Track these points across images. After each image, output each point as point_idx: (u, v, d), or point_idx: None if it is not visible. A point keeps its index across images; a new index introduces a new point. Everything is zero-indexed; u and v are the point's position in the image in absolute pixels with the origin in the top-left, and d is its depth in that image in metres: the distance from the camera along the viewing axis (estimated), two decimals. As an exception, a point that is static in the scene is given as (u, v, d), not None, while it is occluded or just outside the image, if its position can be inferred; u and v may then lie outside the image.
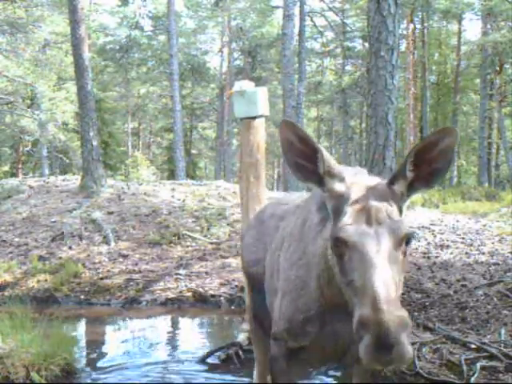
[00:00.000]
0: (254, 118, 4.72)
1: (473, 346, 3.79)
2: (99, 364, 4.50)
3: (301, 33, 18.21)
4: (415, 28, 26.86)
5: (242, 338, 4.57)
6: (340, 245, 1.68)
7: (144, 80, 31.87)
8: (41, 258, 7.96)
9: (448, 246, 8.02)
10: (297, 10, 18.10)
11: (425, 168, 1.78)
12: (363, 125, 30.54)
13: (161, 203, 10.53)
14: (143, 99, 33.85)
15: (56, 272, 7.37)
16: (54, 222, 9.52)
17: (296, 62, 18.20)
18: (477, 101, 27.88)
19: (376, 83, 4.23)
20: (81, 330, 6.01)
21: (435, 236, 8.76)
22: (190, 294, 6.71)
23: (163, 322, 6.27)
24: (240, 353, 4.39)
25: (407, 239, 1.69)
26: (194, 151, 34.86)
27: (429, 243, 8.27)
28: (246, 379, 4.02)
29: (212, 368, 4.33)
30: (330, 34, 27.46)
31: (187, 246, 8.41)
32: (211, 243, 8.49)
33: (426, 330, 4.29)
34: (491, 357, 3.61)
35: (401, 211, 1.76)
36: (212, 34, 33.31)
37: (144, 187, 12.06)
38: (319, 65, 31.40)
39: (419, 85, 28.48)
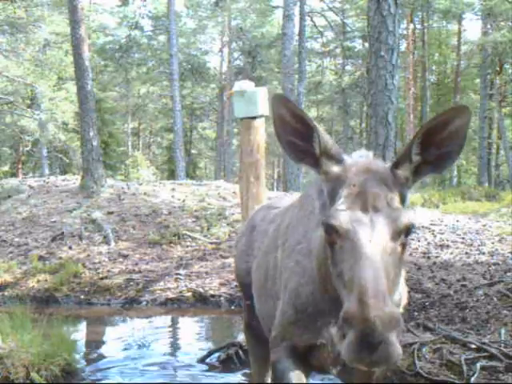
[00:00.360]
0: (254, 118, 4.73)
1: (473, 346, 3.79)
2: (99, 364, 4.50)
3: (301, 33, 18.20)
4: (415, 28, 26.88)
5: (242, 338, 4.56)
6: (331, 232, 1.54)
7: (144, 80, 31.89)
8: (41, 258, 7.96)
9: (448, 246, 8.02)
10: (297, 10, 18.10)
11: (433, 151, 1.61)
12: (363, 125, 30.55)
13: (161, 203, 10.53)
14: (143, 99, 33.85)
15: (56, 272, 7.37)
16: (54, 222, 9.52)
17: (296, 62, 18.19)
18: (477, 101, 27.86)
19: (376, 83, 4.23)
20: (81, 329, 6.01)
21: (435, 236, 8.75)
22: (189, 294, 6.71)
23: (163, 322, 6.27)
24: (240, 353, 4.39)
25: (407, 230, 1.54)
26: (194, 151, 34.86)
27: (429, 243, 8.26)
28: (246, 379, 4.03)
29: (212, 368, 4.33)
30: (329, 34, 27.45)
31: (187, 246, 8.40)
32: (211, 243, 8.49)
33: (426, 329, 4.29)
34: (491, 357, 3.61)
35: (404, 199, 1.60)
36: (212, 34, 33.33)
37: (144, 187, 12.06)
38: (319, 65, 31.38)
39: (419, 85, 28.48)
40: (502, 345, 3.79)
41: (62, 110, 18.32)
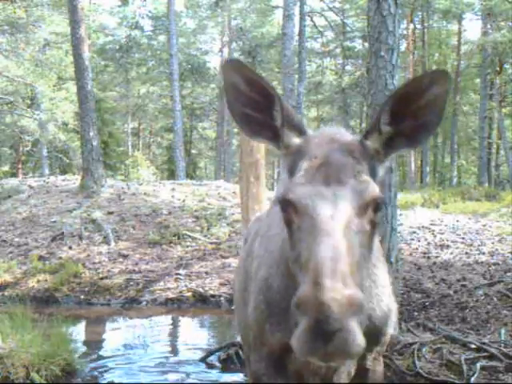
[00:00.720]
0: (254, 118, 4.72)
1: (473, 346, 3.79)
2: (99, 364, 4.50)
3: (301, 33, 18.19)
4: (415, 28, 26.88)
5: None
6: (288, 209, 1.36)
7: (144, 80, 31.88)
8: (41, 258, 7.96)
9: (448, 246, 8.02)
10: (297, 10, 18.08)
11: (409, 122, 1.44)
12: (363, 125, 30.52)
13: (161, 203, 10.53)
14: (143, 99, 33.84)
15: (56, 272, 7.37)
16: (54, 222, 9.52)
17: (296, 62, 18.18)
18: (477, 101, 27.86)
19: (376, 83, 4.22)
20: (81, 329, 6.01)
21: (435, 236, 8.76)
22: (189, 293, 6.71)
23: (163, 322, 6.27)
24: (240, 353, 4.39)
25: (376, 204, 1.36)
26: (194, 151, 34.87)
27: (429, 243, 8.27)
28: (246, 379, 4.02)
29: (212, 368, 4.33)
30: (329, 34, 27.43)
31: (187, 246, 8.40)
32: (211, 243, 8.49)
33: (426, 330, 4.29)
34: (491, 357, 3.61)
35: (374, 173, 1.43)
36: (212, 34, 33.33)
37: (144, 187, 12.06)
38: (319, 65, 31.36)
39: (419, 85, 28.43)
40: (502, 345, 3.79)
41: (62, 110, 18.32)
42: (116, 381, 4.09)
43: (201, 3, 30.14)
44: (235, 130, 28.43)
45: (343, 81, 27.77)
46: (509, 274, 6.08)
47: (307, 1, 19.67)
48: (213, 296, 6.61)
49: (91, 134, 11.23)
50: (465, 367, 3.46)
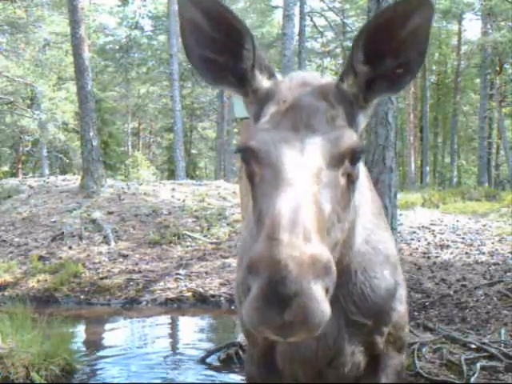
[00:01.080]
0: (254, 118, 4.72)
1: (473, 346, 3.79)
2: (99, 364, 4.50)
3: (301, 33, 18.20)
4: (415, 28, 26.85)
5: (241, 338, 4.56)
6: (250, 159, 1.18)
7: (144, 80, 31.90)
8: (41, 258, 7.96)
9: (448, 246, 8.02)
10: (297, 10, 18.08)
11: (389, 62, 1.26)
12: (363, 125, 30.51)
13: (161, 203, 10.53)
14: (143, 99, 33.88)
15: (56, 272, 7.37)
16: (54, 222, 9.52)
17: (296, 62, 18.19)
18: (477, 101, 27.88)
19: (376, 83, 4.23)
20: (81, 329, 6.01)
21: (435, 236, 8.76)
22: (189, 293, 6.71)
23: (163, 322, 6.27)
24: (240, 353, 4.39)
25: (352, 154, 1.18)
26: (194, 151, 34.89)
27: (429, 243, 8.27)
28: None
29: (212, 368, 4.33)
30: (329, 34, 27.47)
31: (187, 246, 8.41)
32: (211, 243, 8.49)
33: (426, 329, 4.29)
34: (491, 357, 3.61)
35: (352, 119, 1.25)
36: (212, 34, 33.32)
37: (144, 187, 12.06)
38: (319, 65, 31.38)
39: (419, 85, 28.49)
40: (502, 345, 3.79)
41: (62, 110, 18.34)
42: (116, 381, 4.09)
43: (201, 3, 30.15)
44: (235, 130, 28.44)
45: (343, 81, 27.77)
46: (509, 273, 6.08)
47: (307, 1, 19.68)
48: (213, 296, 6.61)
49: (91, 134, 11.23)
50: (465, 367, 3.46)
